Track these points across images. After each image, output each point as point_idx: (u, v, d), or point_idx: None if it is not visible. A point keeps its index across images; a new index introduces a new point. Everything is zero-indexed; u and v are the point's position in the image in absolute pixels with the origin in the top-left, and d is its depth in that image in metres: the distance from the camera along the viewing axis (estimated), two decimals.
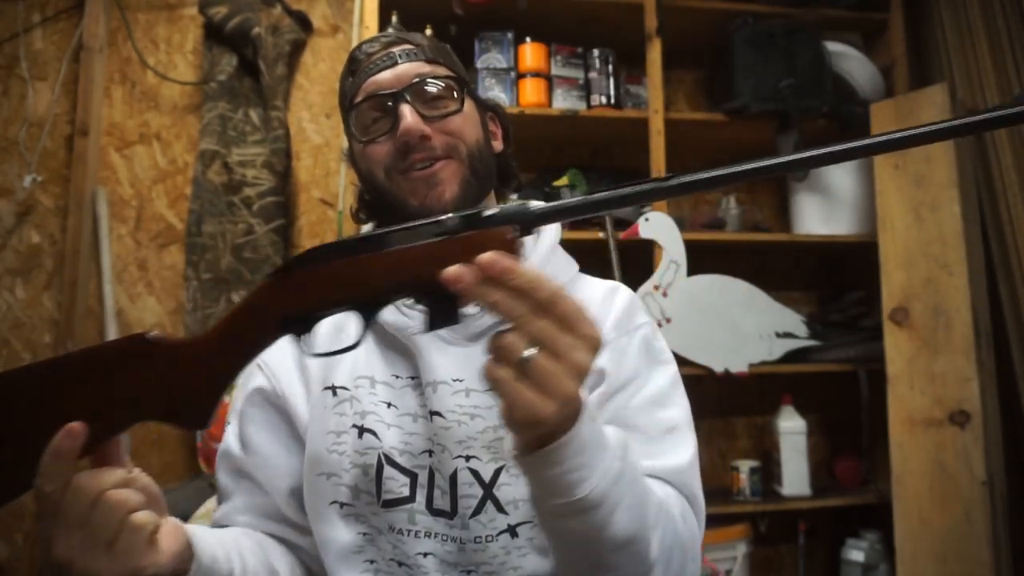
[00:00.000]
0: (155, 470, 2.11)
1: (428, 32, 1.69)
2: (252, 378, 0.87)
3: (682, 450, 0.80)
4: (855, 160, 0.52)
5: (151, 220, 2.19)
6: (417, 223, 0.57)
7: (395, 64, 0.82)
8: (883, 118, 2.08)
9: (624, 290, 0.90)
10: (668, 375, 0.85)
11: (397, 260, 0.56)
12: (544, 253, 0.86)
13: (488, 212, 0.57)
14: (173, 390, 0.57)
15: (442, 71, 0.84)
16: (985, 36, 2.11)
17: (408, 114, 0.79)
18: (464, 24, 2.05)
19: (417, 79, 0.81)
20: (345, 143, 0.93)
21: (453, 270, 0.53)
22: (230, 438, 0.86)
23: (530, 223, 0.57)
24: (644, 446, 0.78)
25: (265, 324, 0.58)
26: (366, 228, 0.93)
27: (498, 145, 0.90)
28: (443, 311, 0.56)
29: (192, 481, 1.98)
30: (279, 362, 0.86)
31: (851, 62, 2.21)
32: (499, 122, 0.92)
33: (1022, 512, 1.98)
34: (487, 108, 0.90)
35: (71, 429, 0.53)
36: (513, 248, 0.55)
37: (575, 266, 0.91)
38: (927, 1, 2.31)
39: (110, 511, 0.54)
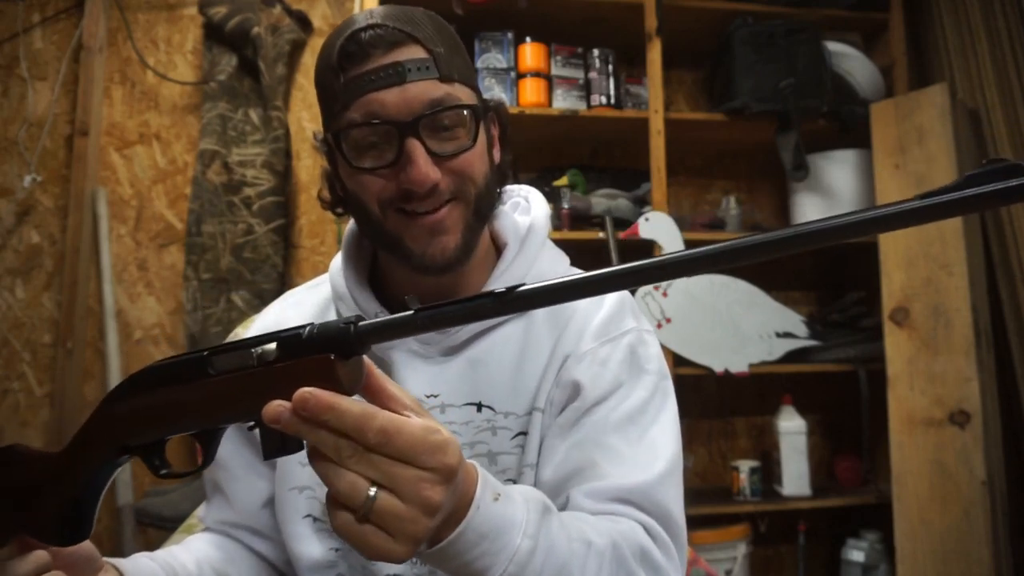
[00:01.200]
0: None
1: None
2: None
3: (655, 464, 0.73)
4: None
5: (151, 220, 2.19)
6: (239, 342, 0.51)
7: (403, 81, 0.68)
8: (883, 118, 2.08)
9: (616, 294, 0.83)
10: (650, 385, 0.78)
11: (223, 389, 0.51)
12: (533, 249, 0.81)
13: (306, 334, 0.49)
14: (33, 508, 0.56)
15: (457, 93, 0.71)
16: (985, 36, 2.11)
17: (419, 159, 0.68)
18: (464, 24, 2.04)
19: (430, 109, 0.69)
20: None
21: (271, 409, 0.47)
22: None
23: (352, 346, 0.49)
24: (615, 467, 0.72)
25: (104, 452, 0.55)
26: (349, 226, 0.86)
27: (498, 154, 0.81)
28: (278, 440, 0.49)
29: (192, 481, 1.98)
30: None
31: (851, 62, 2.21)
32: (498, 121, 0.82)
33: (1022, 512, 1.98)
34: (487, 109, 0.78)
35: None
36: (334, 375, 0.48)
37: (565, 260, 0.86)
38: (927, 1, 2.31)
39: None
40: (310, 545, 0.77)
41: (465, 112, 0.71)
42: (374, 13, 0.71)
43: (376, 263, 0.84)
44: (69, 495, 0.55)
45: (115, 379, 2.04)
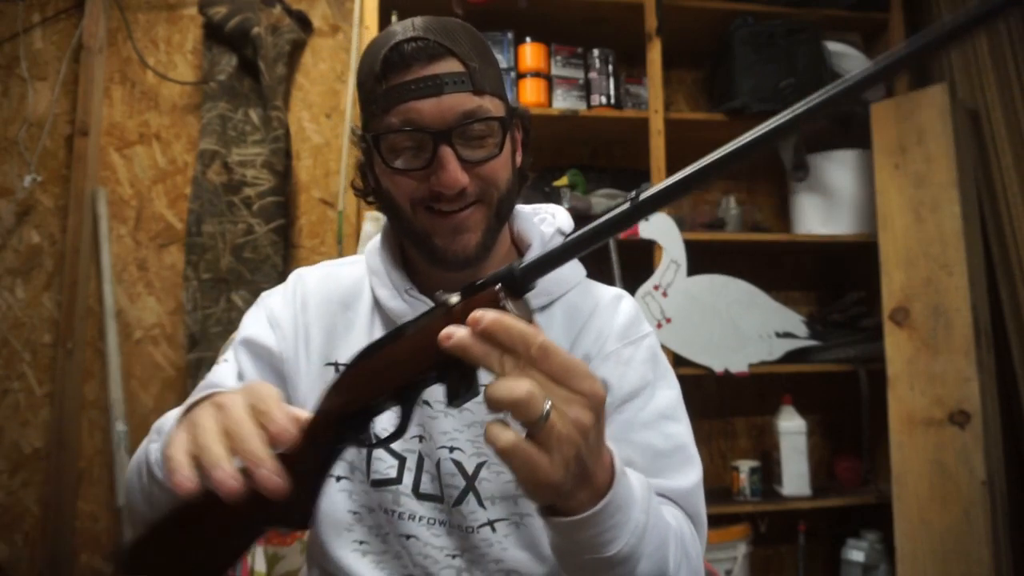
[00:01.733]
0: None
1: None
2: (257, 324, 0.87)
3: (690, 471, 0.80)
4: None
5: (151, 220, 2.19)
6: (426, 312, 0.57)
7: (440, 93, 0.74)
8: (883, 118, 2.08)
9: (629, 299, 0.90)
10: (674, 385, 0.85)
11: (417, 340, 0.56)
12: None
13: (479, 281, 0.54)
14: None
15: (488, 105, 0.77)
16: (985, 36, 2.11)
17: (450, 164, 0.74)
18: (464, 24, 2.05)
19: (463, 120, 0.75)
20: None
21: (447, 331, 0.51)
22: (226, 376, 0.85)
23: (516, 282, 0.53)
24: (653, 461, 0.78)
25: (329, 428, 0.59)
26: (374, 215, 0.91)
27: (519, 157, 0.87)
28: (460, 383, 0.54)
29: None
30: (287, 321, 0.87)
31: (851, 62, 2.21)
32: (522, 126, 0.87)
33: (1022, 512, 1.98)
34: (513, 117, 0.83)
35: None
36: (500, 306, 0.52)
37: (583, 271, 0.91)
38: (927, 1, 2.31)
39: None
40: (333, 503, 0.81)
41: (494, 124, 0.77)
42: (416, 25, 0.76)
43: (405, 251, 0.89)
44: (304, 482, 0.59)
45: (115, 379, 2.05)
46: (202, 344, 2.05)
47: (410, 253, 0.86)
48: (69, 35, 2.19)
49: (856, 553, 2.05)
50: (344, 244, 2.13)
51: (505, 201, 0.80)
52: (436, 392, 0.79)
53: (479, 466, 0.80)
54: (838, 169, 2.20)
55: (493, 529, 0.80)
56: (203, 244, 2.10)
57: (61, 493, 2.02)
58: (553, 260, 0.53)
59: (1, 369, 2.08)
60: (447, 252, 0.78)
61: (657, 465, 0.78)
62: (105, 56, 2.20)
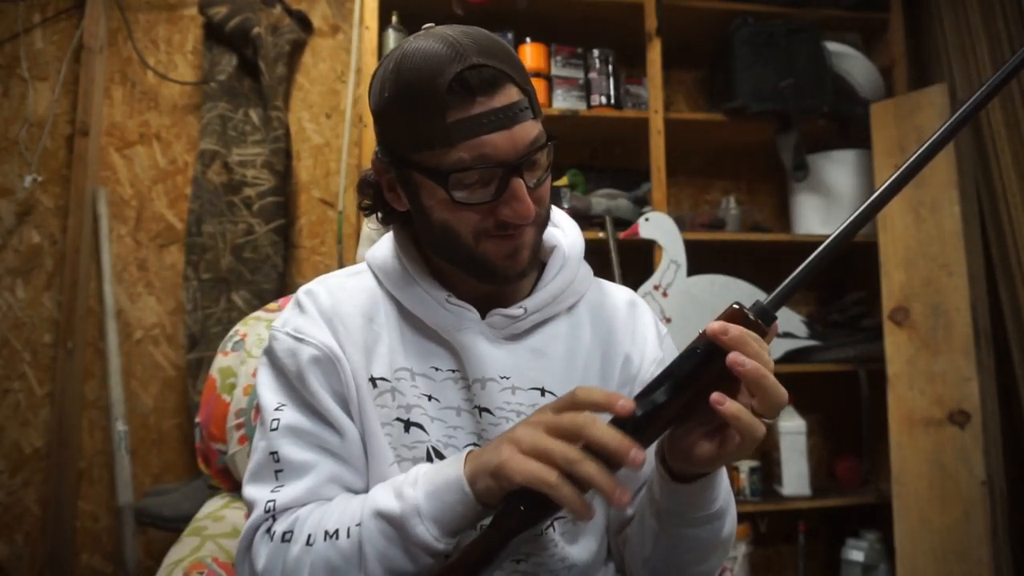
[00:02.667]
0: (155, 470, 2.12)
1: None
2: (300, 352, 0.80)
3: None
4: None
5: (151, 220, 2.19)
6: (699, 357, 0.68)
7: (512, 126, 0.73)
8: (883, 118, 2.08)
9: (641, 300, 0.95)
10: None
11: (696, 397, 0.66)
12: (574, 263, 0.88)
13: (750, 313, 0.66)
14: None
15: (542, 129, 0.78)
16: (985, 36, 2.11)
17: (524, 196, 0.74)
18: (464, 24, 2.05)
19: (531, 149, 0.75)
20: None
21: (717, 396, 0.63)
22: (293, 416, 0.79)
23: (765, 312, 0.66)
24: None
25: None
26: (380, 235, 0.89)
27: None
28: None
29: (191, 482, 1.98)
30: (327, 339, 0.81)
31: (851, 62, 2.21)
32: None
33: (1022, 512, 1.98)
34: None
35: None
36: (741, 318, 0.66)
37: (591, 272, 0.93)
38: (927, 1, 2.31)
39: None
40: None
41: (550, 148, 0.78)
42: (466, 47, 0.73)
43: (430, 260, 0.86)
44: None
45: (115, 379, 2.05)
46: (202, 344, 2.05)
47: (439, 264, 0.84)
48: (69, 35, 2.19)
49: (856, 553, 2.06)
50: (344, 244, 2.13)
51: (547, 218, 0.83)
52: (496, 399, 0.80)
53: None
54: (838, 169, 2.20)
55: (554, 528, 0.81)
56: (203, 244, 2.10)
57: (61, 493, 2.02)
58: (791, 289, 0.67)
59: (1, 369, 2.09)
60: (507, 271, 0.78)
61: None
62: (105, 56, 2.20)
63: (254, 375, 1.32)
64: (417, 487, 0.69)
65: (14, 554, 2.03)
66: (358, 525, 0.70)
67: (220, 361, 1.35)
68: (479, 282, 0.80)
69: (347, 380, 0.79)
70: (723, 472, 0.74)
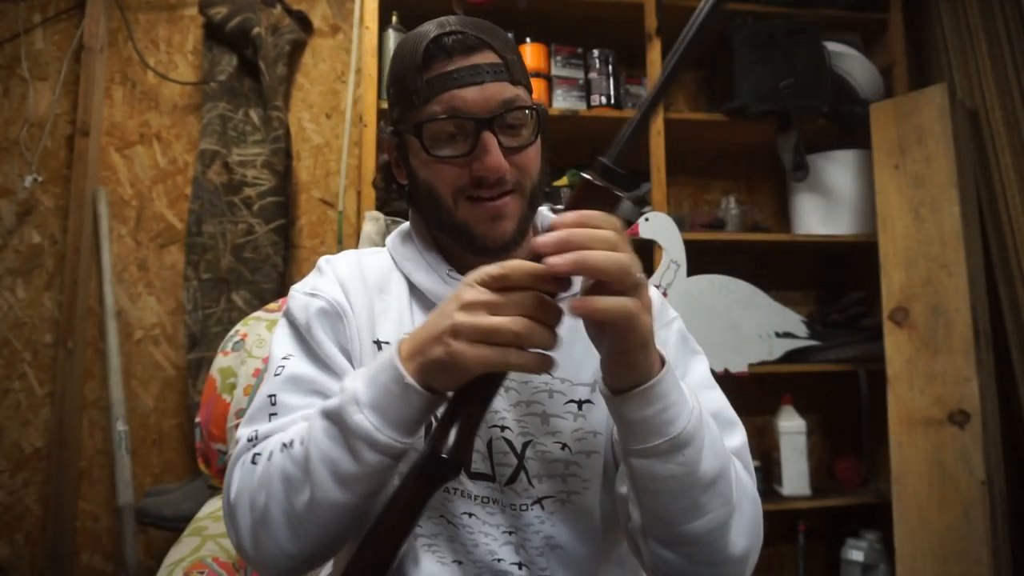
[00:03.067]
0: (155, 470, 2.12)
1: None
2: (310, 305, 0.84)
3: (735, 432, 0.83)
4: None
5: (151, 220, 2.19)
6: None
7: (482, 82, 0.78)
8: (883, 118, 2.08)
9: (652, 286, 0.92)
10: (706, 364, 0.90)
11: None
12: None
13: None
14: None
15: (524, 95, 0.81)
16: (985, 36, 2.11)
17: (493, 149, 0.77)
18: None
19: (504, 108, 0.78)
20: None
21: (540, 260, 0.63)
22: (298, 365, 0.81)
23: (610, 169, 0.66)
24: None
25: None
26: (374, 215, 0.91)
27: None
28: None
29: (192, 482, 1.98)
30: (339, 296, 0.84)
31: (851, 62, 2.21)
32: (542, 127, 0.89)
33: (1022, 512, 1.98)
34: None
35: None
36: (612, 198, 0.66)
37: None
38: (927, 1, 2.31)
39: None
40: (392, 479, 0.79)
41: (529, 113, 0.80)
42: (451, 21, 0.81)
43: (438, 240, 0.89)
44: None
45: (115, 379, 2.05)
46: (202, 344, 2.05)
47: (443, 242, 0.88)
48: (70, 35, 2.19)
49: (856, 553, 2.06)
50: (344, 244, 2.13)
51: (536, 191, 0.83)
52: None
53: (525, 445, 0.81)
54: (838, 169, 2.20)
55: (542, 507, 0.81)
56: (203, 244, 2.10)
57: (62, 493, 2.02)
58: (625, 140, 0.66)
59: (2, 369, 2.09)
60: (486, 239, 0.80)
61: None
62: (106, 56, 2.20)
63: (254, 375, 1.32)
64: (357, 378, 0.69)
65: (14, 554, 2.03)
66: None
67: (220, 361, 1.35)
68: (469, 253, 0.82)
69: (352, 335, 0.83)
70: (674, 389, 0.67)
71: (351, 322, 0.83)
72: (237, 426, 1.26)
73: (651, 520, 0.72)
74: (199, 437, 1.43)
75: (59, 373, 2.06)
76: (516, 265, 0.62)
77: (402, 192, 0.89)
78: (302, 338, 0.83)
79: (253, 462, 0.74)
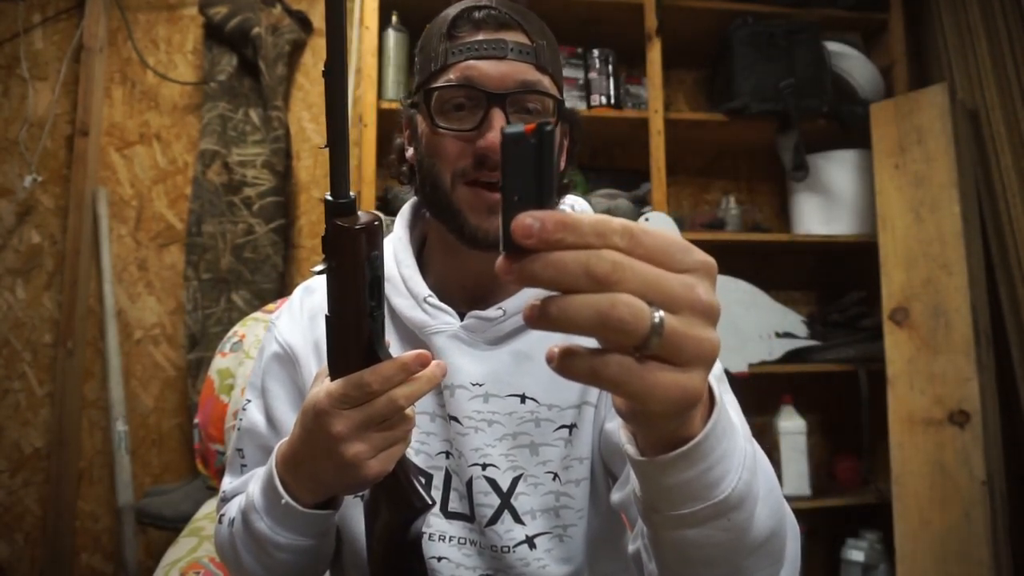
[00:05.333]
0: (155, 470, 2.12)
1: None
2: (268, 347, 0.86)
3: (755, 442, 0.71)
4: None
5: (151, 220, 2.19)
6: None
7: (504, 57, 0.73)
8: (883, 118, 2.08)
9: None
10: (719, 370, 0.80)
11: None
12: None
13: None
14: None
15: (547, 83, 0.76)
16: (985, 36, 2.11)
17: (498, 126, 0.72)
18: None
19: (521, 88, 0.73)
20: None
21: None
22: (254, 415, 0.85)
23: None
24: None
25: None
26: (403, 211, 0.89)
27: (563, 162, 0.85)
28: None
29: (192, 482, 1.98)
30: (298, 341, 0.84)
31: (851, 62, 2.21)
32: (571, 134, 0.85)
33: (1022, 512, 1.98)
34: (565, 119, 0.81)
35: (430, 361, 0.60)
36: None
37: None
38: (927, 1, 2.31)
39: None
40: (357, 523, 0.78)
41: (550, 101, 0.75)
42: None
43: (422, 250, 0.87)
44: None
45: (115, 379, 2.05)
46: (202, 344, 2.05)
47: (430, 244, 0.84)
48: (69, 35, 2.19)
49: (856, 553, 2.05)
50: None
51: None
52: (465, 407, 0.77)
53: (515, 480, 0.77)
54: (838, 169, 2.20)
55: (532, 546, 0.76)
56: (203, 244, 2.10)
57: (61, 493, 2.02)
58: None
59: (1, 369, 2.09)
60: (478, 230, 0.75)
61: None
62: (105, 56, 2.20)
63: None
64: (257, 479, 0.72)
65: (14, 554, 2.03)
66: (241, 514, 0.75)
67: (218, 362, 1.35)
68: (461, 243, 0.77)
69: (306, 379, 0.82)
70: (724, 437, 0.45)
71: (302, 368, 0.82)
72: (235, 427, 1.26)
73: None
74: (198, 438, 1.43)
75: (59, 373, 2.06)
76: (377, 375, 0.58)
77: (412, 176, 0.84)
78: (262, 384, 0.85)
79: (220, 521, 0.81)
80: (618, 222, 0.36)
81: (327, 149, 0.55)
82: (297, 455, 0.65)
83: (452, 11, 0.76)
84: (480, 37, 0.74)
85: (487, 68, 0.73)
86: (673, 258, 0.37)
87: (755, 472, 0.49)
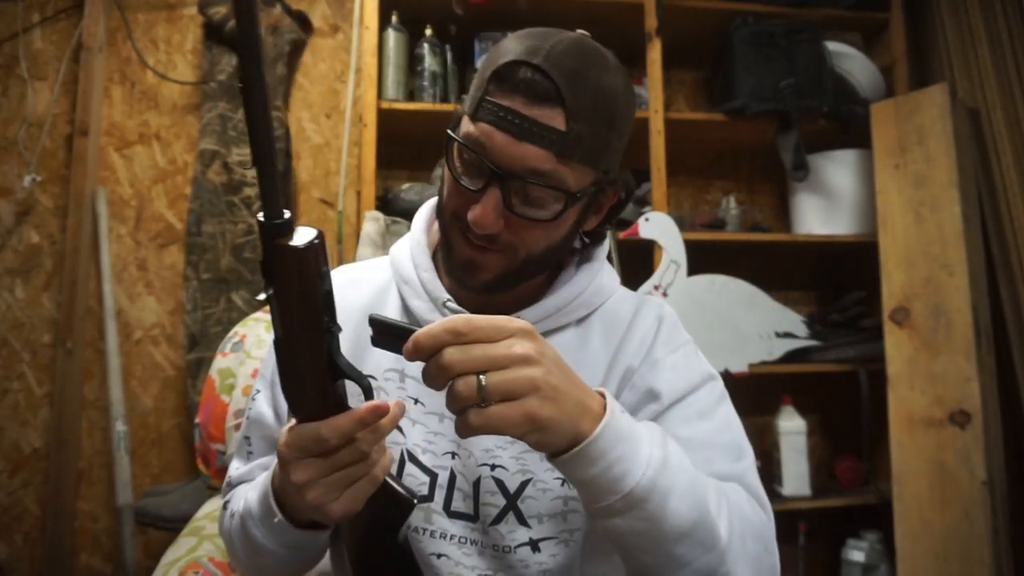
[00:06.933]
0: (154, 471, 2.11)
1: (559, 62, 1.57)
2: None
3: (743, 457, 0.80)
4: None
5: (151, 220, 2.19)
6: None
7: (521, 138, 0.70)
8: (883, 118, 2.08)
9: (666, 307, 0.89)
10: (712, 389, 0.83)
11: None
12: (597, 264, 0.86)
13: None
14: None
15: (566, 173, 0.72)
16: (985, 36, 2.11)
17: (488, 206, 0.71)
18: (464, 24, 2.04)
19: (529, 176, 0.71)
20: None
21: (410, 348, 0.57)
22: (262, 406, 0.86)
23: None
24: (703, 452, 0.75)
25: None
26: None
27: (593, 222, 0.83)
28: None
29: (192, 481, 1.98)
30: None
31: (851, 62, 2.20)
32: (615, 196, 0.82)
33: (1022, 512, 1.98)
34: (600, 190, 0.78)
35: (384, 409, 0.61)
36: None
37: (617, 279, 0.89)
38: (927, 1, 2.31)
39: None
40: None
41: (559, 195, 0.73)
42: (547, 51, 0.72)
43: (436, 254, 0.87)
44: None
45: (115, 379, 2.05)
46: (202, 344, 2.05)
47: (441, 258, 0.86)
48: (69, 35, 2.18)
49: (856, 553, 2.05)
50: (344, 244, 2.12)
51: (533, 263, 0.77)
52: None
53: (523, 484, 0.78)
54: (838, 169, 2.20)
55: (536, 549, 0.77)
56: (203, 244, 2.10)
57: (61, 493, 2.02)
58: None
59: (1, 369, 2.08)
60: (462, 272, 0.78)
61: (708, 455, 0.76)
62: (105, 56, 2.20)
63: (253, 376, 1.31)
64: (255, 488, 0.74)
65: (13, 554, 2.03)
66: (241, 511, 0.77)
67: (219, 362, 1.35)
68: (449, 276, 0.81)
69: None
70: (620, 441, 0.59)
71: None
72: (237, 427, 1.26)
73: (636, 574, 0.67)
74: (198, 437, 1.43)
75: (58, 373, 2.05)
76: (335, 431, 0.60)
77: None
78: (272, 376, 0.87)
79: (225, 509, 0.84)
80: (448, 325, 0.55)
81: (255, 169, 0.57)
82: (278, 485, 0.69)
83: (507, 54, 0.73)
84: (511, 105, 0.70)
85: (502, 143, 0.70)
86: (498, 333, 0.56)
87: (661, 472, 0.60)
